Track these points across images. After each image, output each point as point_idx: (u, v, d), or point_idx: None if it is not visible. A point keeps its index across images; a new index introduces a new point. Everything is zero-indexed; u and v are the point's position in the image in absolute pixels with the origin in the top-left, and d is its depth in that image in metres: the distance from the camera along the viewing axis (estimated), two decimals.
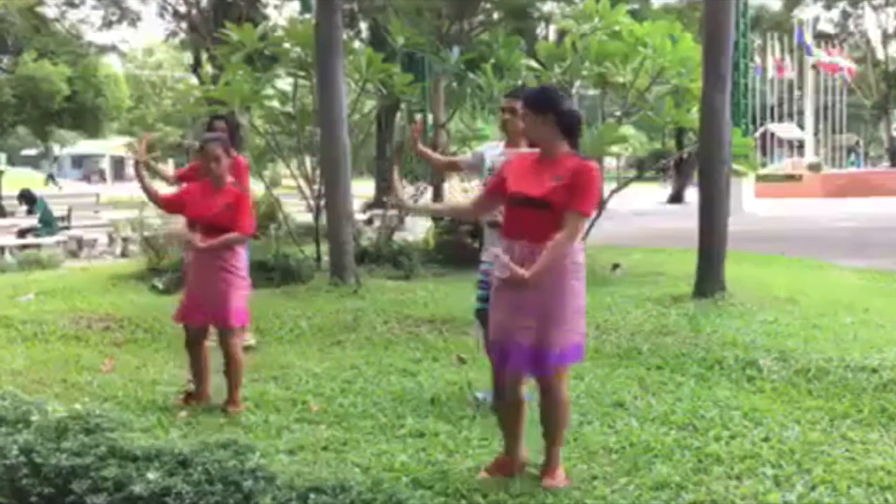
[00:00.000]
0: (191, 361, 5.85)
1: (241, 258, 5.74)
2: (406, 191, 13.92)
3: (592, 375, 6.31)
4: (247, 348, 6.93)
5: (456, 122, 15.38)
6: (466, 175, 6.09)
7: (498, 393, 4.43)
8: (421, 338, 7.73)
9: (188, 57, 29.75)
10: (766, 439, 4.83)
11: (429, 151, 6.15)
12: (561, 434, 4.37)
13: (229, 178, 5.74)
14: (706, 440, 4.84)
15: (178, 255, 11.13)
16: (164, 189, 6.79)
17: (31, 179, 37.96)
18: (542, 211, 4.09)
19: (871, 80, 46.25)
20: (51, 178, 47.17)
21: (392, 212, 13.12)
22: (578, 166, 4.13)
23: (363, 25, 22.98)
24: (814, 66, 39.41)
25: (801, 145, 40.64)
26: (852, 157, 44.61)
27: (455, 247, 12.21)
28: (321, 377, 6.43)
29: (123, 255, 16.53)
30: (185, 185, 6.70)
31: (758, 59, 36.36)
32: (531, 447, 4.45)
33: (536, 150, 4.31)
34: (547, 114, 4.16)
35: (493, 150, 5.71)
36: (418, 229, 14.79)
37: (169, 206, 6.10)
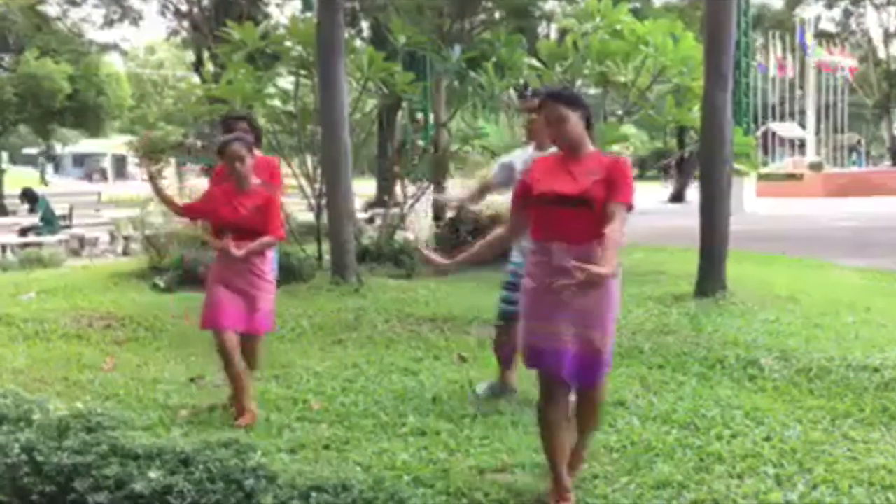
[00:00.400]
0: (225, 368, 5.46)
1: (269, 262, 5.54)
2: (408, 190, 13.92)
3: None
4: None
5: (457, 121, 15.35)
6: (500, 192, 5.89)
7: (544, 406, 4.12)
8: (422, 336, 7.73)
9: (190, 55, 29.73)
10: (767, 438, 4.83)
11: (465, 197, 6.03)
12: (591, 433, 4.39)
13: (255, 180, 5.52)
14: (708, 439, 4.84)
15: (178, 254, 11.14)
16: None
17: (33, 178, 37.98)
18: (580, 209, 3.91)
19: (873, 80, 46.21)
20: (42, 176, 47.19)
21: (394, 210, 13.11)
22: (611, 161, 4.03)
23: (365, 24, 22.98)
24: (816, 66, 39.38)
25: (802, 144, 40.61)
26: (854, 156, 44.58)
27: (457, 246, 12.20)
28: (322, 376, 6.43)
29: (125, 253, 16.53)
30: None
31: (759, 58, 36.33)
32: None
33: (554, 149, 4.18)
34: (579, 109, 4.05)
35: (523, 156, 5.58)
36: (420, 228, 14.78)
37: (192, 213, 5.87)
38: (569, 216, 3.94)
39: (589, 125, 4.09)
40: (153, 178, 5.97)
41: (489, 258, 4.37)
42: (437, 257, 4.42)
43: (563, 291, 3.80)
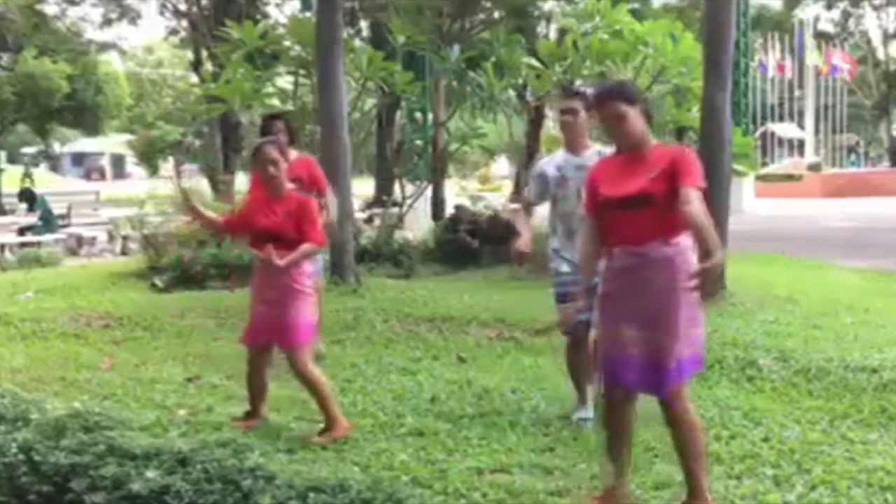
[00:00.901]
0: (248, 380, 5.36)
1: (305, 271, 5.18)
2: (406, 190, 13.92)
3: None
4: (317, 357, 6.66)
5: (456, 121, 15.35)
6: (540, 203, 5.56)
7: (606, 413, 4.01)
8: (421, 337, 7.72)
9: (188, 55, 29.71)
10: (765, 439, 4.83)
11: (522, 245, 5.44)
12: (698, 460, 3.88)
13: (289, 184, 5.24)
14: (707, 440, 4.83)
15: (177, 254, 11.14)
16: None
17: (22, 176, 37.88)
18: (642, 208, 3.75)
19: (872, 81, 46.22)
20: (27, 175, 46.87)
21: (392, 210, 13.11)
22: (674, 151, 3.86)
23: (364, 24, 22.96)
24: (815, 67, 39.42)
25: (801, 145, 40.65)
26: (852, 157, 44.61)
27: (455, 246, 12.21)
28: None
29: (123, 252, 16.51)
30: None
31: (759, 58, 36.32)
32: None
33: (594, 150, 4.06)
34: (638, 104, 3.87)
35: (554, 160, 5.41)
36: (418, 228, 14.79)
37: (236, 229, 5.55)
38: (630, 218, 3.79)
39: (649, 118, 3.92)
40: (193, 210, 5.59)
41: (594, 271, 4.05)
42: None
43: (630, 295, 3.73)
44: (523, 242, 5.32)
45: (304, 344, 5.17)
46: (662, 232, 3.73)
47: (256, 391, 5.34)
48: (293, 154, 6.55)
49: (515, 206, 5.45)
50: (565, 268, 5.27)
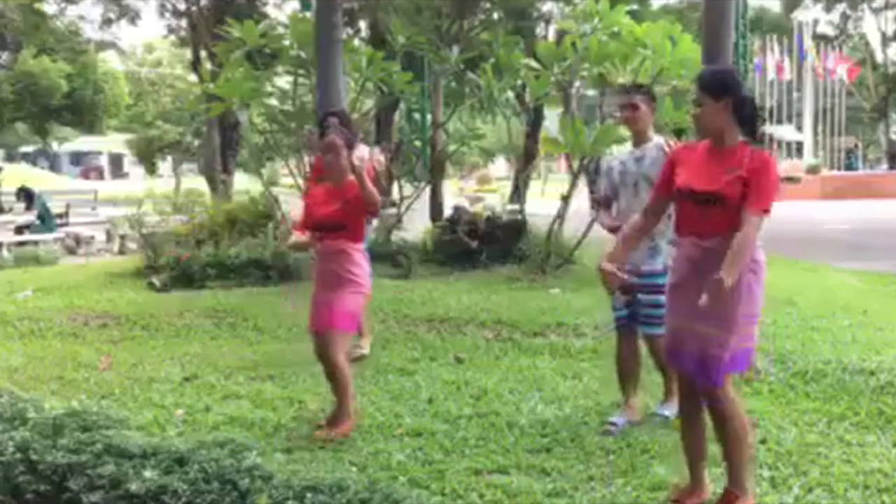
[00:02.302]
0: (326, 376, 5.31)
1: (359, 263, 5.27)
2: (404, 190, 13.91)
3: (590, 375, 6.31)
4: (359, 358, 6.80)
5: (455, 122, 15.35)
6: (613, 198, 5.59)
7: (679, 401, 4.14)
8: (419, 337, 7.72)
9: (188, 54, 29.70)
10: (763, 441, 4.83)
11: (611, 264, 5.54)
12: (741, 457, 3.93)
13: (350, 177, 5.22)
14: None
15: (175, 254, 11.13)
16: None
17: (30, 176, 37.91)
18: (713, 206, 3.79)
19: (871, 83, 46.26)
20: None
21: (391, 210, 13.11)
22: (753, 158, 3.79)
23: (363, 24, 22.95)
24: (814, 69, 39.45)
25: (799, 147, 40.66)
26: (851, 159, 44.64)
27: (454, 247, 12.20)
28: (318, 376, 6.38)
29: (121, 252, 16.52)
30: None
31: (758, 60, 36.34)
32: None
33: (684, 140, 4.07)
34: (723, 99, 3.81)
35: (620, 157, 5.52)
36: (416, 229, 14.78)
37: (306, 227, 5.42)
38: (701, 211, 3.84)
39: (747, 118, 3.84)
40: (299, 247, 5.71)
41: (638, 240, 4.28)
42: (619, 273, 4.11)
43: (692, 287, 3.78)
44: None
45: (341, 330, 5.21)
46: (729, 229, 3.76)
47: (335, 387, 5.28)
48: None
49: (605, 219, 5.51)
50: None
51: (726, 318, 3.78)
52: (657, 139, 5.41)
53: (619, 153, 5.68)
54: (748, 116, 3.84)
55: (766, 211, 3.76)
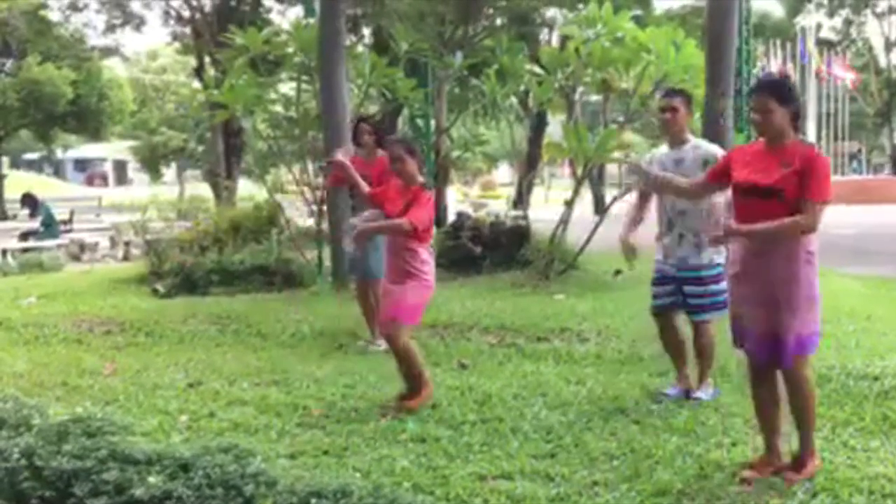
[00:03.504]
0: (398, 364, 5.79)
1: (423, 260, 5.70)
2: None
3: (594, 381, 6.30)
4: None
5: (458, 128, 15.38)
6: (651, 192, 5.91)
7: (750, 385, 4.52)
8: (422, 342, 7.69)
9: (192, 61, 29.76)
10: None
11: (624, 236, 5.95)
12: (810, 426, 4.39)
13: (420, 178, 5.79)
14: (707, 447, 4.84)
15: (179, 260, 11.16)
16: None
17: (34, 182, 38.00)
18: (772, 200, 4.14)
19: (874, 88, 46.21)
20: None
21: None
22: (807, 152, 4.21)
23: (366, 30, 22.99)
24: (817, 74, 39.44)
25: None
26: (854, 164, 44.57)
27: (457, 252, 12.21)
28: (322, 382, 6.43)
29: (125, 258, 16.56)
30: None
31: (760, 65, 36.33)
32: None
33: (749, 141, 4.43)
34: (789, 104, 4.21)
35: (657, 155, 5.76)
36: None
37: (373, 200, 6.10)
38: (760, 206, 4.17)
39: (798, 120, 4.25)
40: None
41: (681, 193, 4.93)
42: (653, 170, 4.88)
43: (754, 276, 4.20)
44: (626, 234, 5.88)
45: (402, 321, 5.68)
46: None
47: (404, 373, 5.78)
48: (379, 153, 7.30)
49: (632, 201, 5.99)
50: (659, 255, 5.84)
51: (789, 303, 4.16)
52: (693, 140, 5.71)
53: (655, 153, 5.90)
54: (798, 119, 4.28)
55: (825, 199, 4.17)
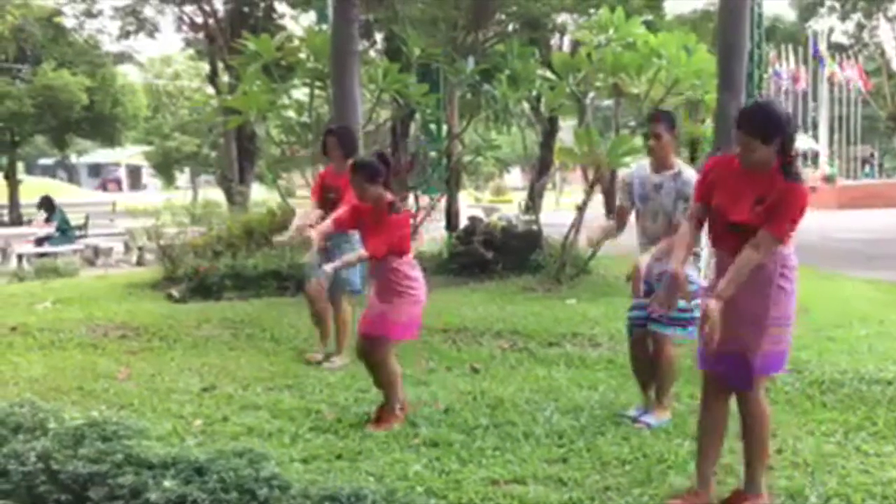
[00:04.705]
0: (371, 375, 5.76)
1: (406, 275, 5.56)
2: (421, 201, 13.95)
3: (606, 385, 6.32)
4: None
5: (470, 133, 15.38)
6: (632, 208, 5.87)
7: (700, 406, 4.28)
8: (434, 347, 7.74)
9: (205, 67, 29.89)
10: (779, 451, 4.82)
11: (608, 230, 5.96)
12: (761, 459, 4.15)
13: (386, 198, 5.59)
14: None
15: (193, 265, 11.20)
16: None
17: (49, 188, 38.19)
18: (743, 232, 3.92)
19: (886, 92, 45.99)
20: None
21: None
22: (785, 189, 3.87)
23: (379, 36, 23.03)
24: (829, 79, 39.29)
25: (815, 157, 40.49)
26: (867, 168, 44.37)
27: (469, 257, 12.23)
28: (335, 386, 6.46)
29: (139, 263, 16.63)
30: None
31: (772, 70, 36.19)
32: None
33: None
34: (773, 141, 3.84)
35: (638, 173, 5.68)
36: (432, 239, 14.81)
37: (344, 227, 5.99)
38: (731, 235, 3.99)
39: (787, 149, 3.87)
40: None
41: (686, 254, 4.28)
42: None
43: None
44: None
45: (389, 336, 5.59)
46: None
47: (380, 386, 5.71)
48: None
49: (608, 222, 5.93)
50: (647, 272, 5.58)
51: (757, 321, 3.96)
52: (677, 167, 5.53)
53: (639, 168, 5.76)
54: (788, 149, 3.88)
55: (778, 237, 3.91)
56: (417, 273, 5.66)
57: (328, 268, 5.85)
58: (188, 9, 26.46)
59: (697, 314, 5.04)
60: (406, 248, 5.62)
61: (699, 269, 5.53)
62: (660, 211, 5.50)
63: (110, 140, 31.36)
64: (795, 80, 38.76)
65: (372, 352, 5.59)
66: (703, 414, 4.23)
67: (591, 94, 11.98)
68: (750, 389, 4.05)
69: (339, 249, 6.93)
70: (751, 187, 3.92)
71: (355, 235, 6.34)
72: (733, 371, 4.03)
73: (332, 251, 6.94)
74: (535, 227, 12.71)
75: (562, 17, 22.51)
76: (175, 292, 10.70)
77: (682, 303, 4.96)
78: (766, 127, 3.85)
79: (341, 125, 8.96)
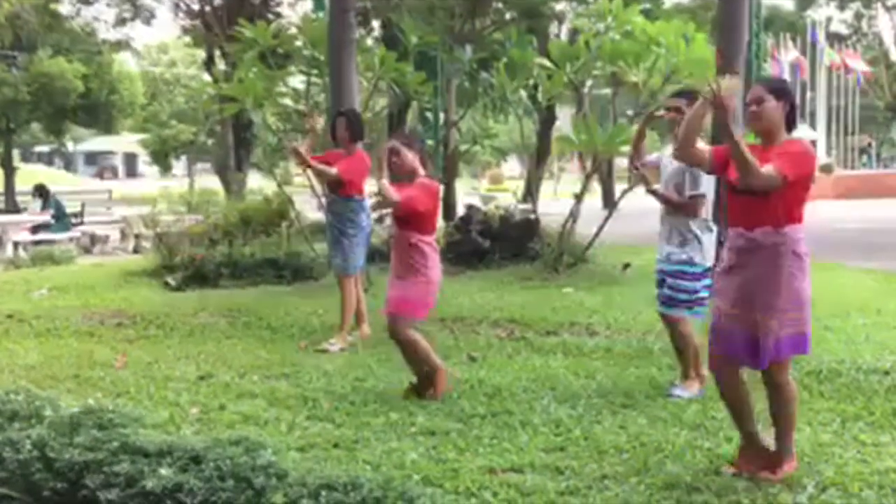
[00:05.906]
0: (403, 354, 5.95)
1: (425, 254, 5.80)
2: None
3: (603, 374, 6.31)
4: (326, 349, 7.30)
5: (468, 121, 15.37)
6: (644, 168, 6.02)
7: (716, 381, 4.43)
8: (431, 336, 7.71)
9: (202, 54, 29.79)
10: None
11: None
12: (788, 427, 4.36)
13: (421, 172, 5.89)
14: (717, 441, 4.84)
15: (189, 253, 11.19)
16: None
17: (46, 176, 38.13)
18: (755, 194, 4.06)
19: (884, 82, 45.98)
20: None
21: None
22: (787, 142, 4.17)
23: (376, 24, 22.98)
24: (828, 67, 39.24)
25: (813, 146, 40.48)
26: (864, 158, 44.37)
27: (466, 246, 12.22)
28: (332, 375, 6.45)
29: (136, 251, 16.61)
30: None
31: (779, 57, 36.14)
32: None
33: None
34: (783, 99, 4.17)
35: (664, 156, 5.85)
36: None
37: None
38: (745, 202, 4.14)
39: (792, 119, 4.20)
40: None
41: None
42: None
43: (738, 275, 4.16)
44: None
45: (404, 316, 5.78)
46: (772, 219, 4.09)
47: (411, 362, 5.94)
48: (358, 147, 7.65)
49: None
50: (658, 255, 5.87)
51: (769, 304, 4.10)
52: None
53: (664, 153, 5.98)
54: (793, 120, 4.23)
55: (782, 171, 3.99)
56: (435, 255, 5.87)
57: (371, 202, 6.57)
58: None
59: (704, 294, 5.25)
60: (434, 226, 5.92)
61: (703, 250, 5.63)
62: (671, 188, 5.71)
63: (106, 128, 31.35)
64: (801, 69, 38.57)
65: (395, 330, 5.81)
66: (720, 387, 4.39)
67: (590, 83, 11.99)
68: (765, 369, 4.21)
69: (344, 237, 7.62)
70: (765, 155, 4.09)
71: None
72: (747, 352, 4.17)
73: (338, 238, 7.59)
74: (532, 216, 12.69)
75: (560, 6, 22.48)
76: (171, 280, 10.69)
77: (687, 284, 5.44)
78: (781, 85, 4.29)
79: (350, 108, 8.99)
